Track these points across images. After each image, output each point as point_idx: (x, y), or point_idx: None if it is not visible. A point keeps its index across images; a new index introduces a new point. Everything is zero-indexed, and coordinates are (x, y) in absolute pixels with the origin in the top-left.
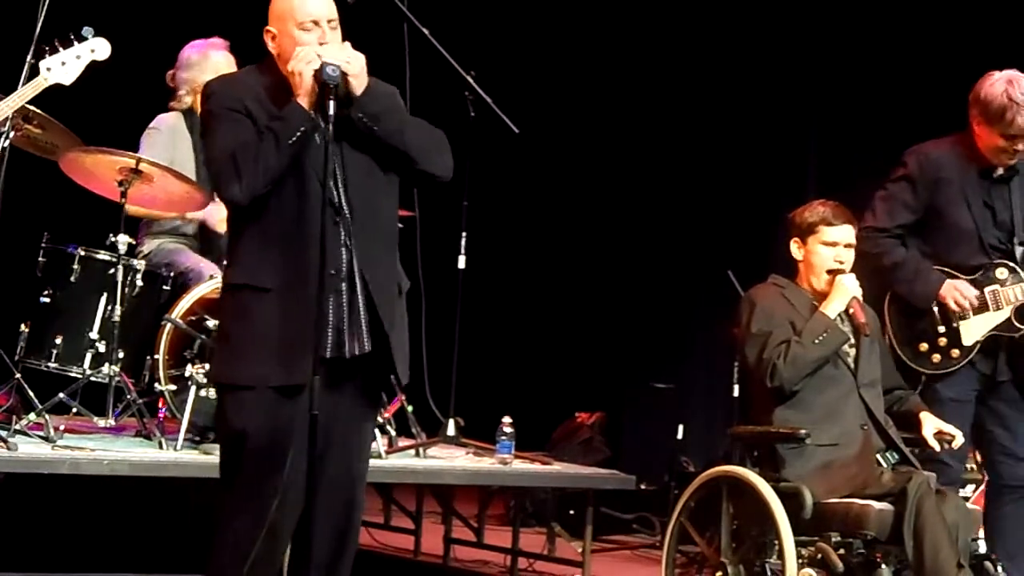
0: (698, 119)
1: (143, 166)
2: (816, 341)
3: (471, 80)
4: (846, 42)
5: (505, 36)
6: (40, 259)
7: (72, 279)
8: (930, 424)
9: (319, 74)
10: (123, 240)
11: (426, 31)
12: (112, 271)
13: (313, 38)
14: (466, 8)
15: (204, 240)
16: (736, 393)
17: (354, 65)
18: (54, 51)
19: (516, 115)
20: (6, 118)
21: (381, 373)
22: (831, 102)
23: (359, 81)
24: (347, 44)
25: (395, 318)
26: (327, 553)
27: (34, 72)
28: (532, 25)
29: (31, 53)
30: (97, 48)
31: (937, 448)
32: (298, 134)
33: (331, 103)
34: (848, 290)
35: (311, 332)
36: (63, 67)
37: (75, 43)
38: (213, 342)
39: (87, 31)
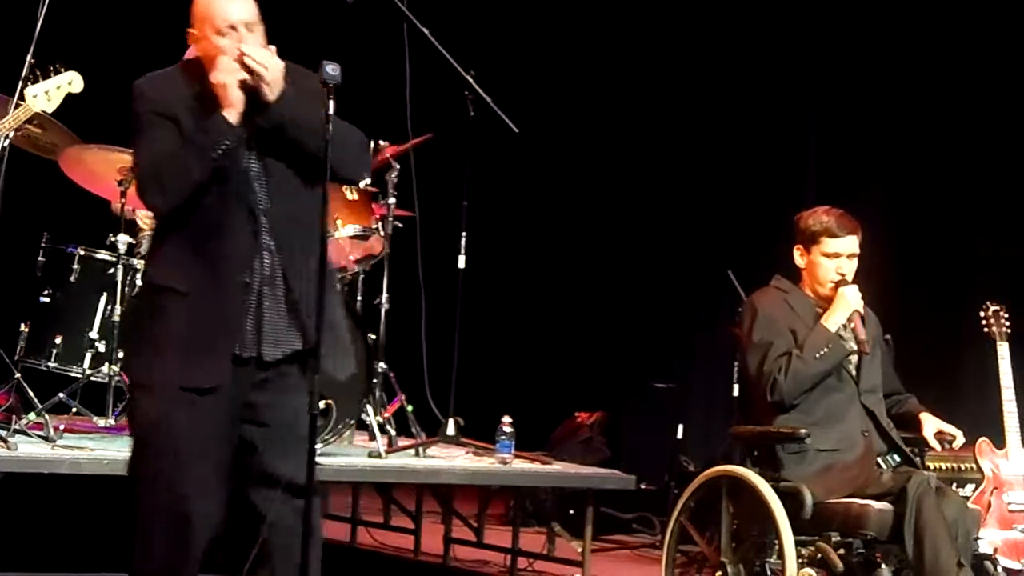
0: (698, 118)
1: None
2: (817, 356)
3: (471, 80)
4: (847, 41)
5: (505, 36)
6: (40, 259)
7: (72, 279)
8: (931, 424)
9: (244, 85)
10: (123, 240)
11: (426, 31)
12: (112, 271)
13: (231, 43)
14: (466, 8)
15: None
16: (736, 393)
17: (269, 72)
18: (36, 80)
19: (516, 115)
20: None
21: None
22: (831, 101)
23: (271, 89)
24: (269, 49)
25: (324, 319)
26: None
27: (28, 83)
28: (532, 25)
29: (31, 52)
30: (73, 81)
31: (939, 448)
32: (221, 148)
33: (331, 103)
34: (850, 303)
35: (222, 336)
36: (46, 94)
37: (52, 75)
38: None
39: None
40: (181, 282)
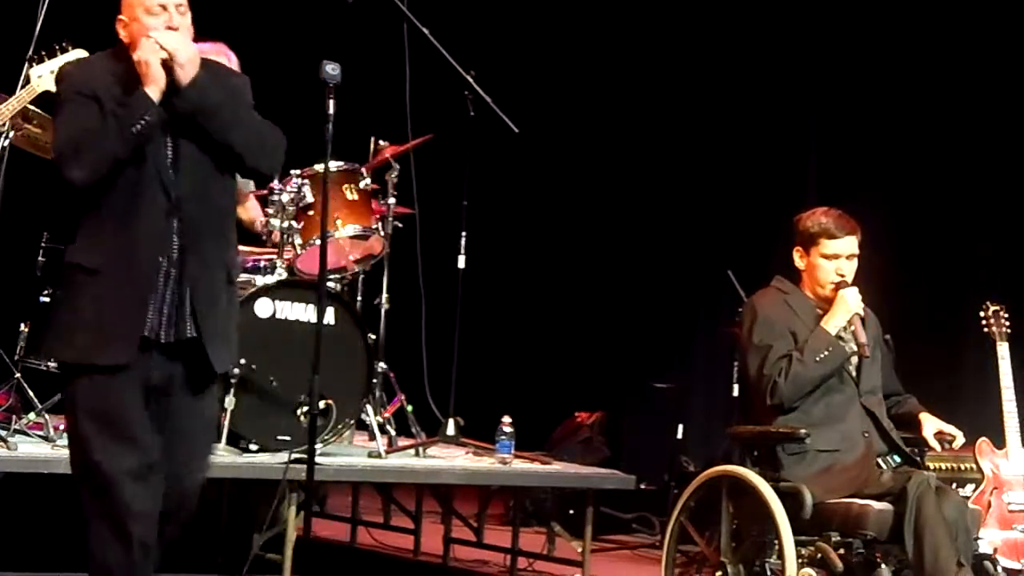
0: (698, 118)
1: None
2: (818, 359)
3: (471, 80)
4: (847, 42)
5: (505, 36)
6: (40, 259)
7: None
8: (930, 424)
9: (167, 62)
10: None
11: (426, 31)
12: None
13: (160, 22)
14: (466, 8)
15: None
16: (736, 393)
17: (181, 54)
18: (42, 60)
19: (516, 115)
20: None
21: (204, 360)
22: (831, 101)
23: (185, 72)
24: (187, 33)
25: (217, 307)
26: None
27: (28, 77)
28: (532, 25)
29: (31, 51)
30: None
31: (939, 448)
32: (141, 123)
33: (331, 102)
34: (850, 306)
35: (129, 315)
36: (51, 75)
37: (59, 53)
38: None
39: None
40: (92, 260)
